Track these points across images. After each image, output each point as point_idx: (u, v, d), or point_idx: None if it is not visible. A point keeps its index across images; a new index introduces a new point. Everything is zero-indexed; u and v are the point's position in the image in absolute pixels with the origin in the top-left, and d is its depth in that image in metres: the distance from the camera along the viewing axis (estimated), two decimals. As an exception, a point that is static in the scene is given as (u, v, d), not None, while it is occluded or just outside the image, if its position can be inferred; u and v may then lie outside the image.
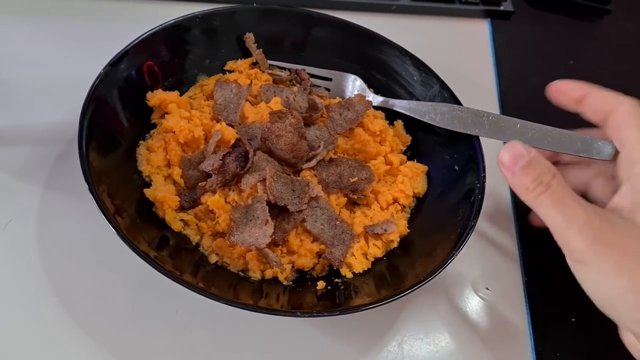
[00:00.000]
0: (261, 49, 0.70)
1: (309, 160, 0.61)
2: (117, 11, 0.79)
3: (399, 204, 0.62)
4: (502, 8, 0.94)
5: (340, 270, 0.56)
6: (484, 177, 0.58)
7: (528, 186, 0.45)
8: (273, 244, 0.56)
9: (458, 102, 0.64)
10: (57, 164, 0.61)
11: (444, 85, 0.66)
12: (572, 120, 0.84)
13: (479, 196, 0.57)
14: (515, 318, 0.60)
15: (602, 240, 0.44)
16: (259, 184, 0.57)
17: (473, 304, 0.61)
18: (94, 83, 0.56)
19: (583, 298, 0.63)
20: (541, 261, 0.65)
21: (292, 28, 0.71)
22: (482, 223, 0.55)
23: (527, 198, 0.46)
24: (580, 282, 0.48)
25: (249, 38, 0.69)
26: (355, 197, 0.61)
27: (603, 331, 0.61)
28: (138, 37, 0.61)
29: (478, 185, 0.58)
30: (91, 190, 0.49)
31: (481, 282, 0.62)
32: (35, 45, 0.73)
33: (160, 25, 0.63)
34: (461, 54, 0.88)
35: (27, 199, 0.58)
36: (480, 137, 0.61)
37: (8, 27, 0.74)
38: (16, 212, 0.57)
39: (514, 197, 0.70)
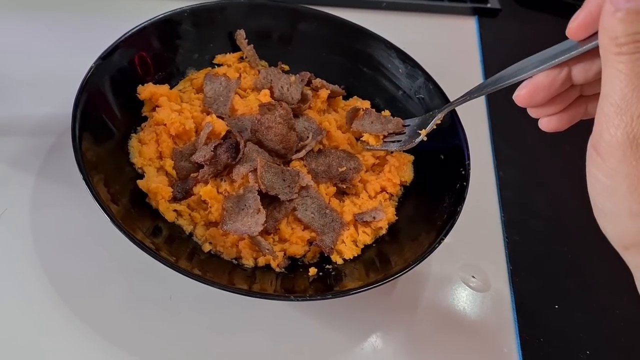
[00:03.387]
0: (252, 45, 0.71)
1: (298, 150, 0.62)
2: (109, 5, 0.80)
3: (387, 193, 0.64)
4: (489, 6, 0.96)
5: (331, 256, 0.58)
6: (469, 165, 0.60)
7: (618, 37, 0.34)
8: (265, 232, 0.57)
9: (443, 94, 0.65)
10: (50, 154, 0.62)
11: (428, 77, 0.67)
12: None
13: (464, 184, 0.58)
14: (501, 305, 0.62)
15: None
16: (250, 174, 0.58)
17: (459, 291, 0.62)
18: (86, 75, 0.57)
19: (566, 286, 0.65)
20: (526, 250, 0.67)
21: (279, 22, 0.72)
22: (467, 212, 0.56)
23: (606, 49, 0.35)
24: (590, 179, 0.39)
25: (240, 34, 0.70)
26: (344, 187, 0.62)
27: (585, 318, 0.63)
28: (128, 31, 0.62)
29: (463, 173, 0.59)
30: (85, 180, 0.50)
31: (467, 270, 0.64)
32: (28, 38, 0.73)
33: (150, 19, 0.64)
34: (449, 51, 0.90)
35: (21, 189, 0.59)
36: (464, 127, 0.63)
37: (0, 20, 0.75)
38: (10, 202, 0.58)
39: (500, 186, 0.72)
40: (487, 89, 0.51)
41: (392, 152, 0.65)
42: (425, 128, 0.60)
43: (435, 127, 0.60)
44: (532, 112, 0.46)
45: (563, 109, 0.45)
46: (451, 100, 0.61)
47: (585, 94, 0.45)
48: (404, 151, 0.66)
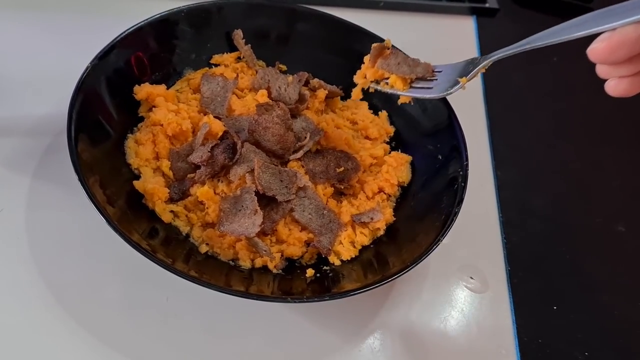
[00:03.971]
0: (249, 45, 0.70)
1: (296, 151, 0.62)
2: (105, 5, 0.79)
3: (385, 193, 0.64)
4: (487, 5, 0.96)
5: (329, 258, 0.57)
6: (467, 165, 0.59)
7: None
8: (262, 234, 0.56)
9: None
10: (46, 155, 0.61)
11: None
12: (555, 113, 0.86)
13: (462, 184, 0.58)
14: (499, 306, 0.62)
15: None
16: (247, 174, 0.58)
17: (457, 292, 0.62)
18: (82, 76, 0.56)
19: (564, 287, 0.65)
20: (524, 250, 0.67)
21: (276, 22, 0.72)
22: (465, 212, 0.56)
23: None
24: None
25: (237, 34, 0.70)
26: (342, 187, 0.62)
27: (583, 318, 0.63)
28: (125, 31, 0.61)
29: (461, 173, 0.59)
30: (81, 181, 0.50)
31: (465, 271, 0.64)
32: (24, 38, 0.73)
33: (147, 19, 0.64)
34: (447, 51, 0.89)
35: (17, 190, 0.59)
36: (462, 127, 0.62)
37: (-5, 20, 0.74)
38: (5, 203, 0.58)
39: (498, 186, 0.72)
40: (550, 38, 0.44)
41: (390, 147, 0.63)
42: (465, 76, 0.52)
43: (478, 76, 0.52)
44: (603, 71, 0.41)
45: (638, 72, 0.40)
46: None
47: None
48: (401, 151, 0.66)
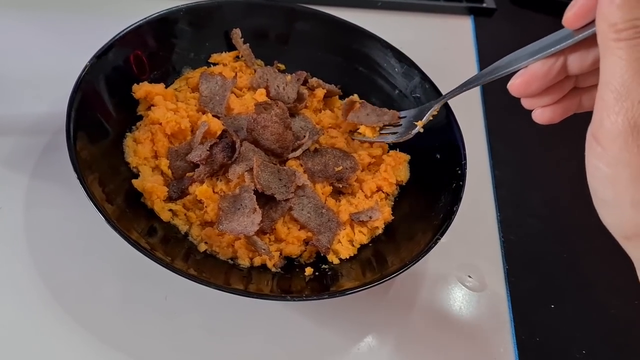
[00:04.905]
0: (248, 44, 0.71)
1: (294, 150, 0.62)
2: (104, 4, 0.79)
3: (383, 192, 0.64)
4: (484, 5, 0.96)
5: (327, 256, 0.57)
6: (465, 164, 0.60)
7: (617, 23, 0.34)
8: (261, 232, 0.57)
9: (439, 93, 0.65)
10: (45, 154, 0.61)
11: (424, 77, 0.67)
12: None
13: (460, 183, 0.58)
14: (497, 305, 0.62)
15: None
16: (246, 173, 0.58)
17: (455, 291, 0.62)
18: (80, 74, 0.56)
19: (562, 285, 0.65)
20: (522, 249, 0.67)
21: (275, 22, 0.72)
22: (463, 211, 0.56)
23: (604, 36, 0.35)
24: (590, 169, 0.38)
25: (236, 34, 0.70)
26: (341, 186, 0.62)
27: (581, 317, 0.63)
28: (123, 30, 0.61)
29: (459, 172, 0.59)
30: (80, 180, 0.50)
31: (463, 270, 0.64)
32: (22, 37, 0.73)
33: (146, 18, 0.64)
34: (445, 50, 0.90)
35: (15, 189, 0.58)
36: (460, 126, 0.62)
37: (-6, 19, 0.74)
38: (4, 201, 0.58)
39: (496, 185, 0.72)
40: (483, 79, 0.51)
41: (389, 146, 0.66)
42: (421, 119, 0.60)
43: (431, 118, 0.60)
44: (526, 103, 0.46)
45: (557, 101, 0.45)
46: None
47: (580, 85, 0.45)
48: (399, 149, 0.66)
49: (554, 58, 0.42)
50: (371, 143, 0.65)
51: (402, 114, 0.64)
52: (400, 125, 0.63)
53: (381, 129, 0.64)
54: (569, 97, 0.45)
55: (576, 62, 0.42)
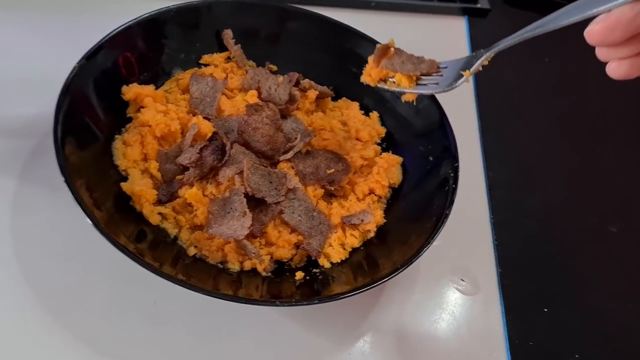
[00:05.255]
0: (239, 45, 0.70)
1: (285, 152, 0.62)
2: (93, 4, 0.78)
3: (375, 195, 0.63)
4: (478, 6, 0.95)
5: (318, 260, 0.57)
6: (458, 167, 0.59)
7: None
8: (251, 236, 0.56)
9: (432, 95, 0.64)
10: (32, 157, 0.61)
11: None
12: (546, 113, 0.86)
13: (453, 186, 0.58)
14: (490, 308, 0.62)
15: None
16: (236, 176, 0.57)
17: (448, 295, 0.62)
18: (68, 76, 0.55)
19: (555, 289, 0.65)
20: (516, 252, 0.66)
21: (267, 22, 0.71)
22: (456, 214, 0.56)
23: None
24: None
25: (227, 34, 0.69)
26: (332, 189, 0.62)
27: (575, 320, 0.63)
28: (113, 31, 0.61)
29: (452, 175, 0.59)
30: (67, 184, 0.49)
31: (456, 273, 0.63)
32: (10, 38, 0.72)
33: (135, 18, 0.63)
34: (439, 51, 0.88)
35: (2, 192, 0.58)
36: (453, 128, 0.62)
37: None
38: (-10, 205, 0.57)
39: (489, 187, 0.71)
40: (552, 24, 0.43)
41: (381, 148, 0.64)
42: (469, 69, 0.52)
43: (481, 68, 0.53)
44: (602, 53, 0.41)
45: (638, 53, 0.40)
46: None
47: None
48: (392, 152, 0.66)
49: None
50: (411, 95, 0.57)
51: (443, 63, 0.56)
52: (441, 75, 0.55)
53: (418, 78, 0.57)
54: None
55: None
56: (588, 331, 0.62)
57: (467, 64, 0.53)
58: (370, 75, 0.59)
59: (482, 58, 0.52)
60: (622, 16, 0.37)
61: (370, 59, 0.59)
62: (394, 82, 0.58)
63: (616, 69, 0.41)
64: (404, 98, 0.58)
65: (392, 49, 0.58)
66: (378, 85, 0.59)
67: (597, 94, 0.85)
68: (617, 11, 0.37)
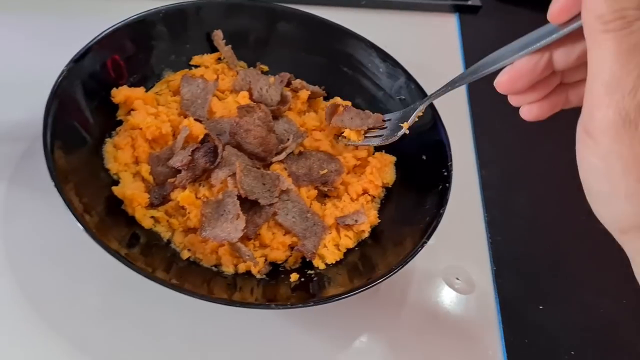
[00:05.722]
0: (230, 46, 0.69)
1: (278, 153, 0.61)
2: (81, 7, 0.77)
3: (369, 195, 0.63)
4: (469, 3, 0.95)
5: (313, 261, 0.57)
6: (451, 166, 0.59)
7: (604, 14, 0.33)
8: (245, 238, 0.56)
9: (424, 94, 0.65)
10: (22, 161, 0.60)
11: (409, 77, 0.67)
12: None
13: (447, 185, 0.58)
14: (485, 306, 0.62)
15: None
16: (229, 178, 0.57)
17: (443, 294, 0.62)
18: (57, 80, 0.55)
19: (549, 286, 0.65)
20: (510, 250, 0.67)
21: (257, 22, 0.70)
22: (450, 213, 0.56)
23: (591, 29, 0.34)
24: (582, 163, 0.38)
25: (217, 35, 0.69)
26: (326, 190, 0.62)
27: (569, 317, 0.63)
28: (101, 33, 0.60)
29: (445, 174, 0.59)
30: (58, 189, 0.48)
31: (451, 272, 0.63)
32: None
33: (124, 20, 0.62)
34: (430, 49, 0.89)
35: (-9, 198, 0.57)
36: (446, 127, 0.62)
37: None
38: (-21, 211, 0.56)
39: (483, 186, 0.71)
40: (469, 78, 0.50)
41: (374, 148, 0.65)
42: (407, 121, 0.59)
43: (417, 119, 0.59)
44: (513, 100, 0.45)
45: (544, 97, 0.44)
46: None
47: (566, 81, 0.44)
48: (386, 151, 0.66)
49: (540, 54, 0.41)
50: (357, 147, 0.65)
51: (387, 116, 0.63)
52: (386, 127, 0.62)
53: (366, 132, 0.63)
54: (556, 93, 0.45)
55: (562, 57, 0.41)
56: (583, 327, 0.62)
57: (405, 116, 0.60)
58: (323, 130, 0.66)
59: (417, 110, 0.59)
60: (523, 67, 0.42)
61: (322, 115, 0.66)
62: (344, 136, 0.64)
63: (528, 112, 0.45)
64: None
65: (341, 107, 0.65)
66: (333, 139, 0.66)
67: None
68: (517, 63, 0.42)
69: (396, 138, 0.60)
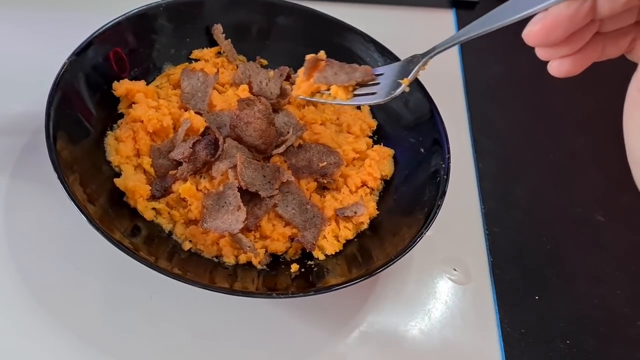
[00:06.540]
0: (229, 40, 0.70)
1: (278, 146, 0.62)
2: (83, 0, 0.78)
3: (368, 187, 0.64)
4: (466, -2, 0.95)
5: (313, 252, 0.57)
6: (449, 158, 0.60)
7: None
8: (246, 230, 0.56)
9: (421, 86, 0.65)
10: (24, 154, 0.60)
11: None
12: (535, 104, 0.87)
13: (445, 177, 0.58)
14: (482, 297, 0.62)
15: None
16: (229, 170, 0.57)
17: (441, 285, 0.62)
18: (59, 72, 0.55)
19: (546, 277, 0.66)
20: (506, 241, 0.67)
21: (256, 16, 0.71)
22: (448, 204, 0.57)
23: None
24: (634, 127, 0.36)
25: (217, 29, 0.69)
26: (325, 182, 0.62)
27: (565, 308, 0.64)
28: (103, 26, 0.60)
29: (443, 166, 0.59)
30: (61, 180, 0.49)
31: (448, 263, 0.64)
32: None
33: (125, 14, 0.63)
34: (427, 44, 0.89)
35: (-6, 190, 0.58)
36: (444, 120, 0.62)
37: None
38: (-18, 203, 0.57)
39: (480, 178, 0.72)
40: (486, 27, 0.42)
41: (372, 141, 0.63)
42: (407, 77, 0.51)
43: (419, 75, 0.51)
44: (543, 53, 0.39)
45: (578, 49, 0.39)
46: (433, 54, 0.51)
47: (604, 30, 0.39)
48: (384, 144, 0.66)
49: None
50: (345, 106, 0.56)
51: (379, 70, 0.54)
52: (379, 83, 0.53)
53: (354, 88, 0.54)
54: (591, 44, 0.39)
55: (608, 1, 0.35)
56: (579, 318, 0.63)
57: (404, 70, 0.51)
58: (301, 88, 0.56)
59: (420, 64, 0.50)
60: (560, 15, 0.36)
61: (301, 71, 0.56)
62: (330, 94, 0.55)
63: (558, 68, 0.40)
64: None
65: (322, 62, 0.55)
66: (313, 98, 0.56)
67: (582, 87, 0.86)
68: (554, 10, 0.36)
69: (394, 96, 0.51)
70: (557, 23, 0.36)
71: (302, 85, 0.56)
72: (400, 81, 0.51)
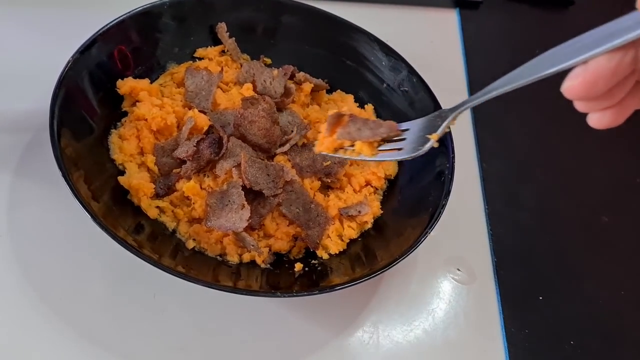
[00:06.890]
0: (233, 38, 0.70)
1: (282, 145, 0.62)
2: (86, -1, 0.78)
3: (372, 187, 0.64)
4: (470, -3, 0.95)
5: (317, 252, 0.57)
6: (454, 158, 0.60)
7: None
8: (249, 228, 0.56)
9: (426, 86, 0.65)
10: (28, 151, 0.60)
11: (412, 70, 0.67)
12: (539, 105, 0.87)
13: (449, 177, 0.58)
14: (486, 297, 0.62)
15: None
16: (233, 169, 0.57)
17: (445, 285, 0.62)
18: (63, 70, 0.55)
19: (549, 277, 0.66)
20: (510, 241, 0.67)
21: (261, 16, 0.71)
22: (452, 205, 0.56)
23: None
24: None
25: (221, 27, 0.69)
26: (329, 181, 0.62)
27: (569, 308, 0.64)
28: (107, 24, 0.60)
29: (448, 166, 0.59)
30: (65, 177, 0.49)
31: (452, 263, 0.64)
32: (3, 33, 0.71)
33: (129, 12, 0.63)
34: (431, 43, 0.89)
35: (-2, 188, 0.57)
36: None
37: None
38: (-14, 201, 0.57)
39: (484, 179, 0.72)
40: (521, 80, 0.39)
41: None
42: (436, 132, 0.47)
43: (448, 129, 0.49)
44: (582, 106, 0.37)
45: (620, 101, 0.36)
46: (456, 102, 0.50)
47: None
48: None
49: (623, 50, 0.33)
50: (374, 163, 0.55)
51: (404, 125, 0.51)
52: (405, 139, 0.50)
53: (379, 144, 0.51)
54: (632, 93, 0.37)
55: None
56: (582, 318, 0.63)
57: (432, 126, 0.48)
58: (324, 144, 0.53)
59: (449, 119, 0.48)
60: (601, 68, 0.34)
61: (323, 127, 0.53)
62: (354, 150, 0.52)
63: (600, 120, 0.38)
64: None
65: (345, 117, 0.52)
66: (337, 154, 0.53)
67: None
68: (594, 63, 0.34)
69: (423, 152, 0.48)
70: (599, 77, 0.34)
71: (324, 141, 0.53)
72: (429, 136, 0.48)
